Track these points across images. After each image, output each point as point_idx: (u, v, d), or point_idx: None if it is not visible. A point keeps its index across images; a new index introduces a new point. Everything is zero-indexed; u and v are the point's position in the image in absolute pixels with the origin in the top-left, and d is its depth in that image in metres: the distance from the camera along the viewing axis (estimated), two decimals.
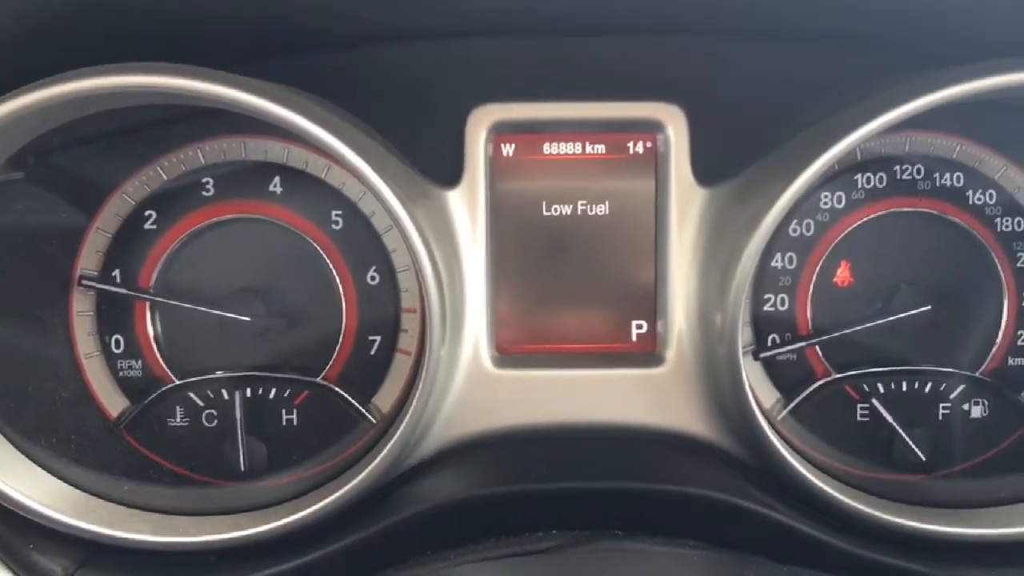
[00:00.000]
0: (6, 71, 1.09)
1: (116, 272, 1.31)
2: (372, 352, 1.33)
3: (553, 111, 1.32)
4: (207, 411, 1.32)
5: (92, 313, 1.32)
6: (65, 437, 1.27)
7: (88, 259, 1.31)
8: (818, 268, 1.33)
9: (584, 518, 1.15)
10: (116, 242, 1.31)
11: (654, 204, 1.34)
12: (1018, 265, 1.33)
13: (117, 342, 1.32)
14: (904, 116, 1.11)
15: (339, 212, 1.32)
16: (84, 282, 1.30)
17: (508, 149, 1.34)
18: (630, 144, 1.34)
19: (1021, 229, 1.33)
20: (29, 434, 1.23)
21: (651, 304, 1.36)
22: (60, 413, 1.28)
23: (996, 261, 1.33)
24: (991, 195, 1.33)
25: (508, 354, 1.36)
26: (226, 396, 1.31)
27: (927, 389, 1.33)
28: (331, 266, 1.32)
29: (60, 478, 1.23)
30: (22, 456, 1.22)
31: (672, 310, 1.33)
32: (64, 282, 1.30)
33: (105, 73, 1.07)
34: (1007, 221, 1.33)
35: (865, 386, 1.33)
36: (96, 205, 1.31)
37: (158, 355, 1.33)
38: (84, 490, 1.23)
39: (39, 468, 1.22)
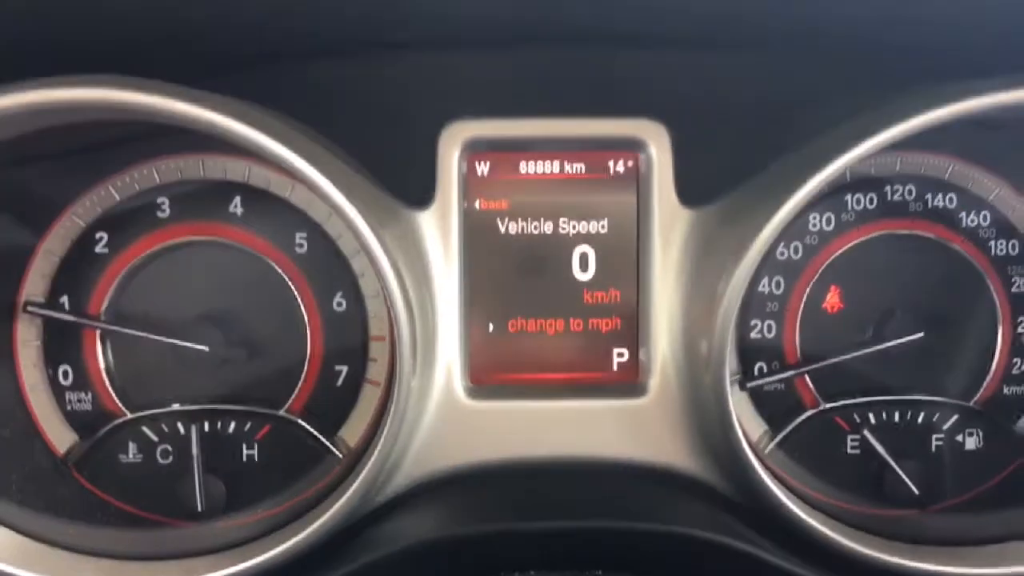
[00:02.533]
0: None
1: (64, 298, 1.25)
2: (338, 383, 1.27)
3: (530, 128, 1.26)
4: (162, 447, 1.25)
5: (38, 342, 1.25)
6: (6, 477, 1.19)
7: (34, 284, 1.24)
8: (806, 293, 1.29)
9: (564, 558, 1.10)
10: (65, 266, 1.25)
11: (636, 226, 1.29)
12: (1013, 290, 1.29)
13: (65, 373, 1.25)
14: (901, 136, 1.06)
15: (303, 235, 1.26)
16: (30, 308, 1.23)
17: (483, 168, 1.28)
18: (611, 163, 1.29)
19: (1016, 253, 1.29)
20: None
21: (633, 331, 1.30)
22: (1, 451, 1.20)
23: (990, 286, 1.29)
24: (984, 217, 1.29)
25: (483, 384, 1.30)
26: (182, 431, 1.24)
27: (920, 419, 1.29)
28: (295, 292, 1.26)
29: (1, 523, 1.15)
30: None
31: (655, 337, 1.28)
32: (7, 309, 1.24)
33: (53, 86, 1.00)
34: (1001, 244, 1.29)
35: (856, 416, 1.28)
36: (44, 226, 1.24)
37: (109, 387, 1.26)
38: (27, 535, 1.16)
39: None
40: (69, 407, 1.25)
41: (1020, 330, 1.30)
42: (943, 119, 1.06)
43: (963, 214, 1.29)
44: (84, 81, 1.00)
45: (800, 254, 1.28)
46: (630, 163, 1.29)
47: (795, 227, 1.27)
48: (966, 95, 1.05)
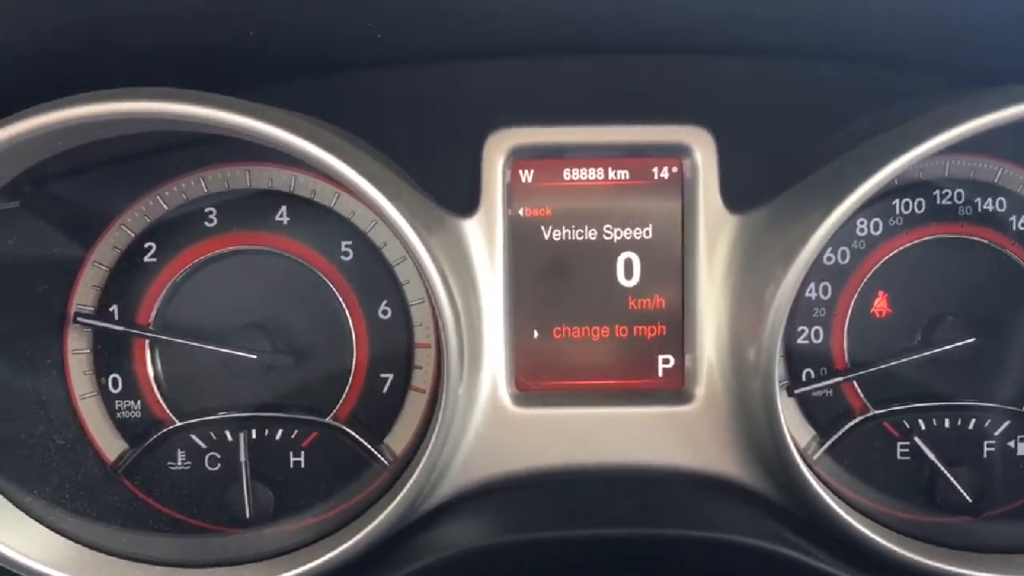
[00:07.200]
0: (3, 96, 1.04)
1: (114, 308, 1.26)
2: (384, 390, 1.27)
3: (574, 135, 1.26)
4: (210, 454, 1.26)
5: (88, 352, 1.27)
6: (59, 485, 1.20)
7: (84, 294, 1.26)
8: (854, 298, 1.28)
9: (612, 566, 1.10)
10: (114, 276, 1.26)
11: (681, 232, 1.28)
12: None
13: (115, 382, 1.27)
14: (954, 140, 1.05)
15: (349, 243, 1.26)
16: (80, 319, 1.24)
17: (527, 175, 1.28)
18: (655, 169, 1.28)
19: None
20: (20, 483, 1.16)
21: (679, 338, 1.30)
22: (54, 459, 1.22)
23: None
24: None
25: (528, 391, 1.29)
26: (230, 438, 1.25)
27: (971, 425, 1.27)
28: (340, 299, 1.27)
29: (54, 530, 1.16)
30: (12, 507, 1.15)
31: (701, 343, 1.27)
32: (58, 319, 1.25)
33: (106, 99, 1.01)
34: None
35: (906, 423, 1.27)
36: (93, 237, 1.26)
37: (158, 395, 1.27)
38: (80, 542, 1.17)
39: (31, 520, 1.15)
40: (119, 415, 1.26)
41: None
42: (995, 123, 1.04)
43: (1013, 217, 1.27)
44: (135, 94, 1.01)
45: (848, 259, 1.27)
46: (674, 169, 1.28)
47: (843, 232, 1.24)
48: (1018, 98, 1.04)
